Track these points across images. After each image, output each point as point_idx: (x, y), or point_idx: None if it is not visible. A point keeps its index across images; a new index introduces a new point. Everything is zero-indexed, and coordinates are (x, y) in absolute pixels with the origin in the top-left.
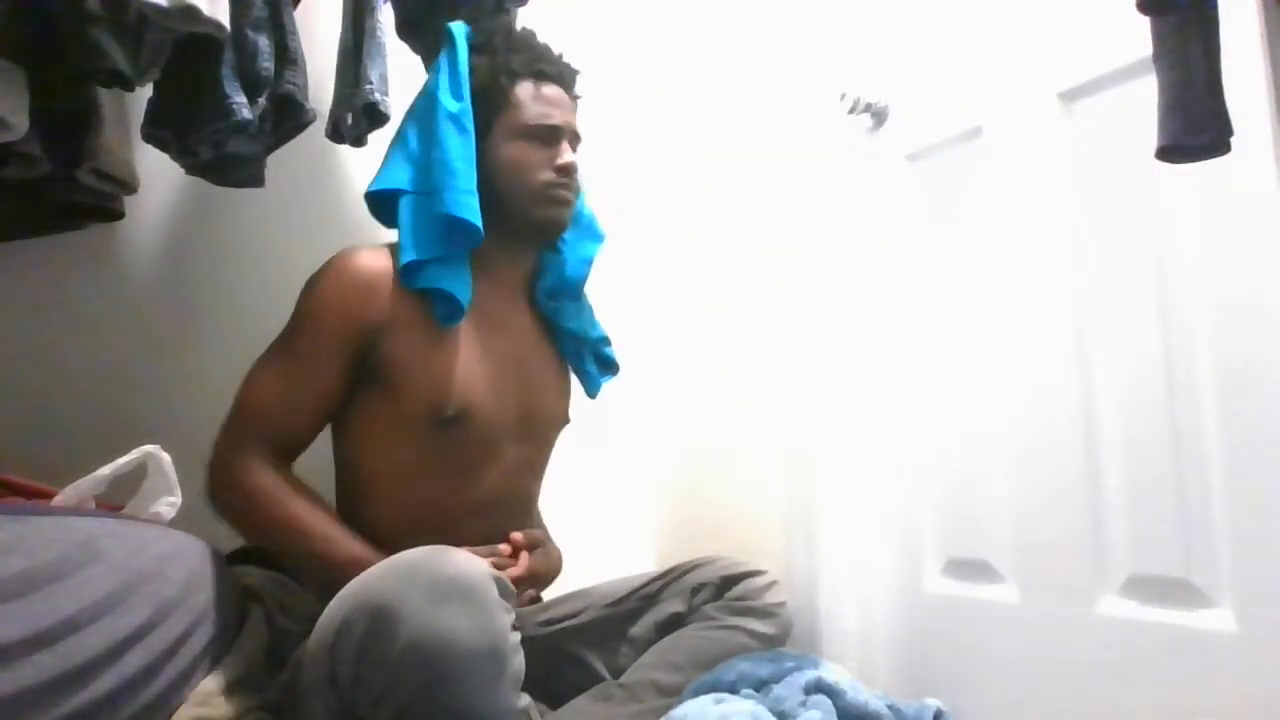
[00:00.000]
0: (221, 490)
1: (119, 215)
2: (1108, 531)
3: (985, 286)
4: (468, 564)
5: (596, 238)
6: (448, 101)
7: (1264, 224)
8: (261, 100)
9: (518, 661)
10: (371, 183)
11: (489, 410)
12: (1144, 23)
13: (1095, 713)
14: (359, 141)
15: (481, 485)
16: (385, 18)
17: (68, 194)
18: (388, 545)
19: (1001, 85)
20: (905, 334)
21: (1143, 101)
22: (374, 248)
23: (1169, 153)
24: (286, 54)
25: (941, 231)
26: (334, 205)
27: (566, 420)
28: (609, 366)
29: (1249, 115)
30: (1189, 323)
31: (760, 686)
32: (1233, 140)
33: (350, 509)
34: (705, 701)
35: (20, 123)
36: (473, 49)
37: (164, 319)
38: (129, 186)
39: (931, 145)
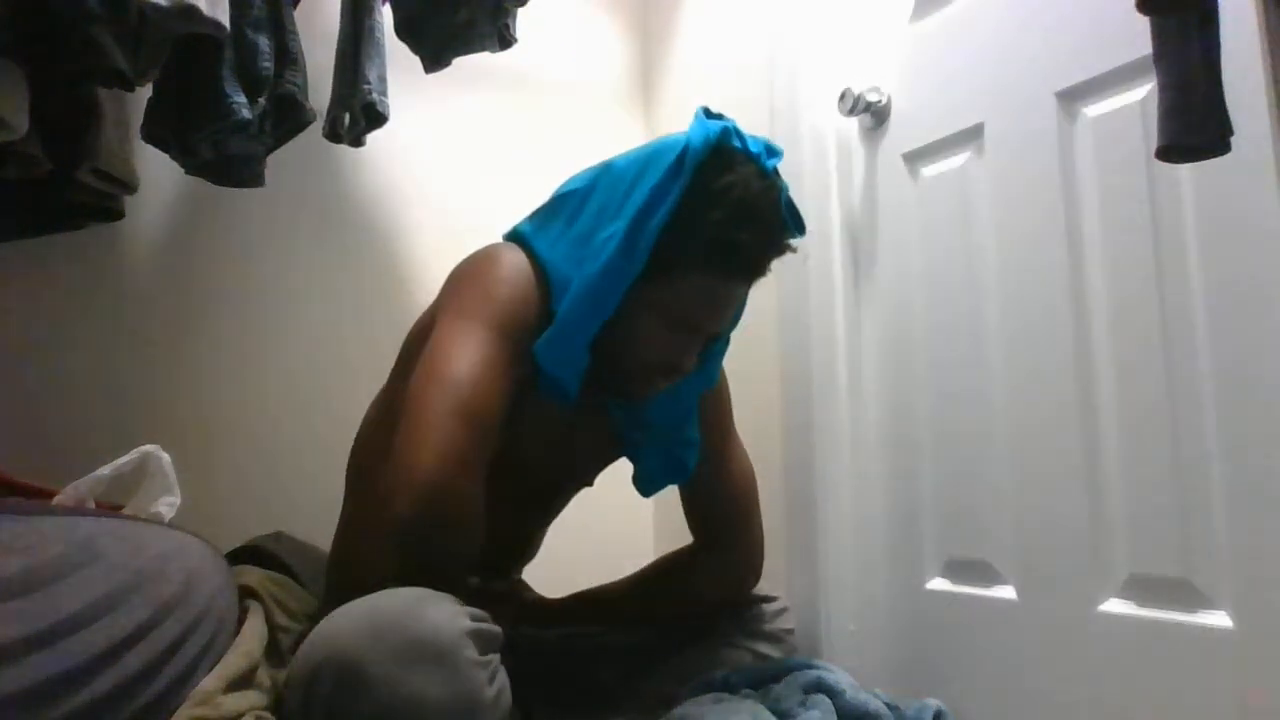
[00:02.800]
0: (449, 480)
1: (119, 215)
2: (1108, 531)
3: (985, 285)
4: (443, 622)
5: (705, 380)
6: (622, 257)
7: (1264, 224)
8: (261, 100)
9: (497, 713)
10: (532, 230)
11: (525, 466)
12: (1144, 23)
13: (1095, 712)
14: (357, 142)
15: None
16: (384, 18)
17: (68, 194)
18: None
19: (1001, 85)
20: (905, 333)
21: (1142, 101)
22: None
23: (1169, 153)
24: (286, 54)
25: (941, 231)
26: (334, 205)
27: (587, 484)
28: (678, 470)
29: (1249, 115)
30: (1189, 322)
31: (760, 686)
32: (1233, 140)
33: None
34: (705, 701)
35: (20, 123)
36: (695, 180)
37: (164, 319)
38: (129, 186)
39: (931, 145)
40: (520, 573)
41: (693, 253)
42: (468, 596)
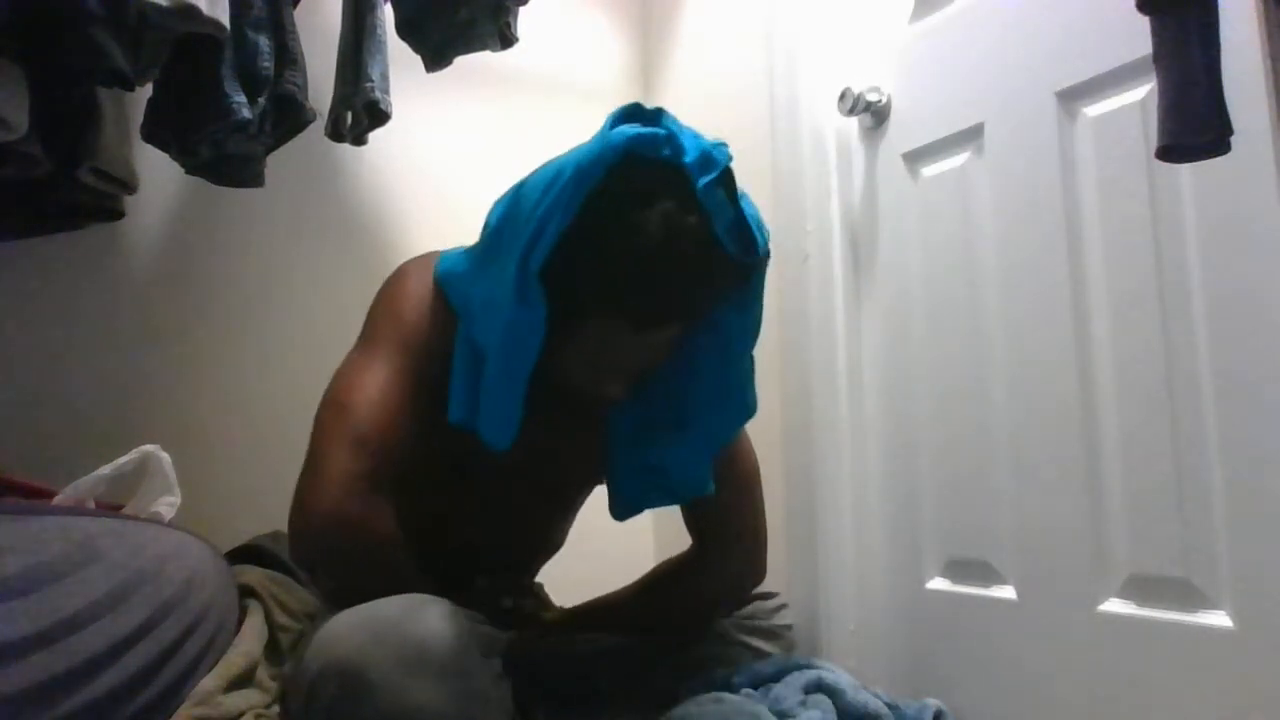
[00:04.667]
0: (335, 507)
1: (119, 215)
2: (1108, 531)
3: (985, 285)
4: (442, 626)
5: (692, 487)
6: (521, 307)
7: (1264, 224)
8: (261, 100)
9: (499, 715)
10: (445, 261)
11: (530, 469)
12: (1144, 23)
13: (1095, 712)
14: (359, 141)
15: (489, 527)
16: (385, 15)
17: (68, 194)
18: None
19: (1001, 85)
20: (905, 333)
21: (1142, 101)
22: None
23: (1169, 153)
24: (286, 53)
25: (941, 230)
26: (334, 205)
27: (596, 482)
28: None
29: (1249, 115)
30: (1189, 322)
31: (760, 685)
32: (1233, 140)
33: None
34: (705, 700)
35: (20, 122)
36: (586, 214)
37: (164, 319)
38: (129, 186)
39: (931, 145)
40: (544, 564)
41: (587, 301)
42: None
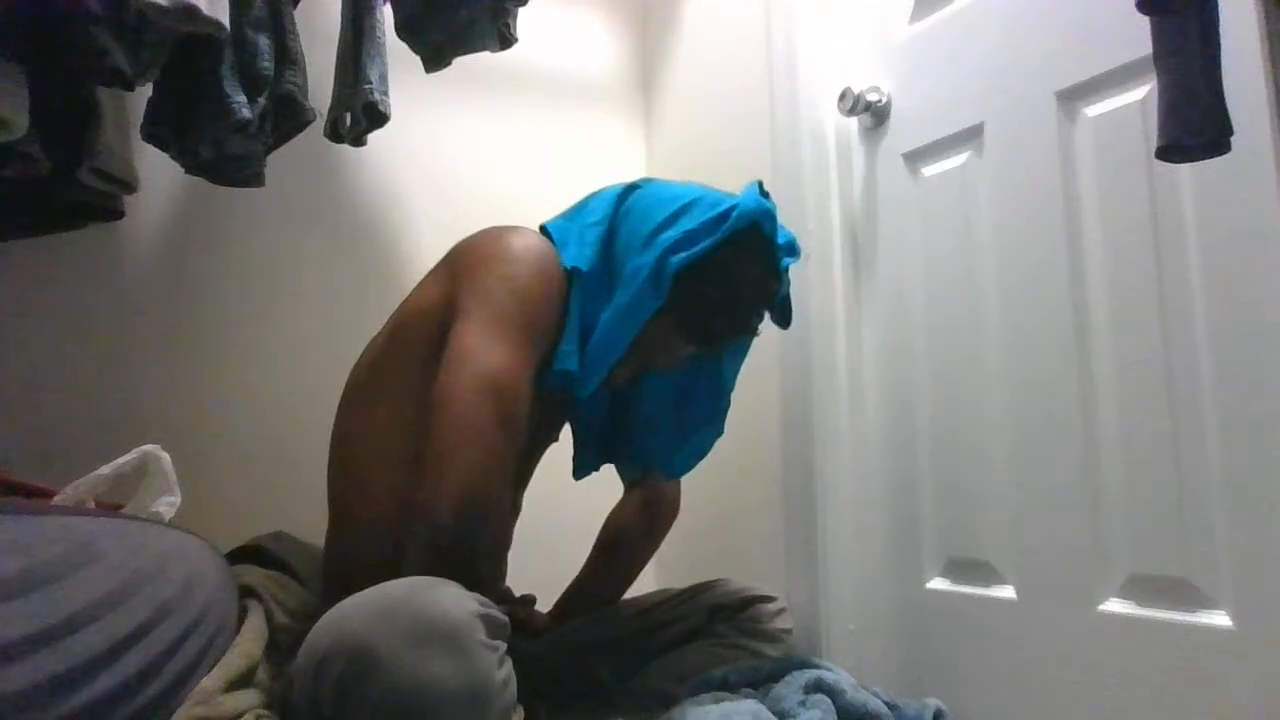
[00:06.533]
0: (490, 491)
1: (119, 215)
2: (1108, 531)
3: (985, 285)
4: (452, 604)
5: (713, 432)
6: (649, 287)
7: (1264, 224)
8: (261, 100)
9: (506, 697)
10: (553, 230)
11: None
12: (1144, 23)
13: (1095, 713)
14: (358, 142)
15: None
16: (385, 17)
17: (68, 194)
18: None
19: (1001, 85)
20: (905, 333)
21: (1142, 101)
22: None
23: (1169, 153)
24: (286, 53)
25: (941, 230)
26: (334, 205)
27: (555, 440)
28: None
29: (1249, 115)
30: (1189, 321)
31: (760, 685)
32: (1233, 140)
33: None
34: (705, 700)
35: (20, 122)
36: (722, 245)
37: (163, 318)
38: (129, 186)
39: (931, 145)
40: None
41: (674, 305)
42: (496, 599)
